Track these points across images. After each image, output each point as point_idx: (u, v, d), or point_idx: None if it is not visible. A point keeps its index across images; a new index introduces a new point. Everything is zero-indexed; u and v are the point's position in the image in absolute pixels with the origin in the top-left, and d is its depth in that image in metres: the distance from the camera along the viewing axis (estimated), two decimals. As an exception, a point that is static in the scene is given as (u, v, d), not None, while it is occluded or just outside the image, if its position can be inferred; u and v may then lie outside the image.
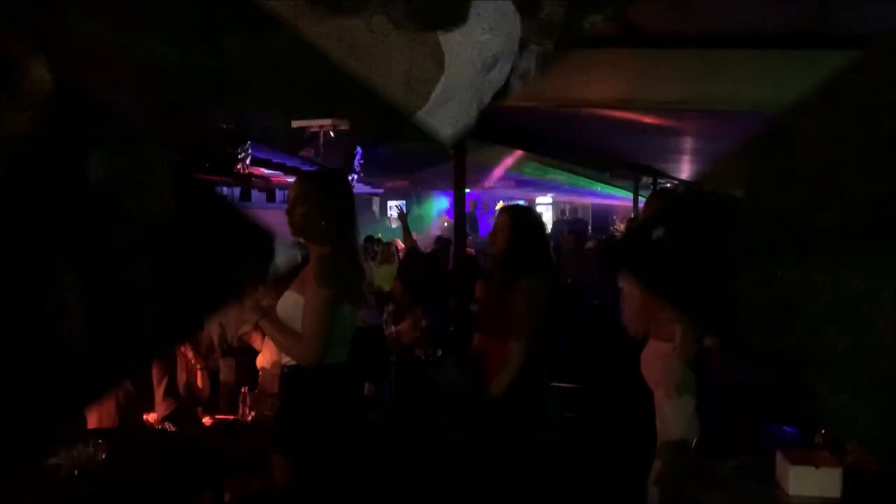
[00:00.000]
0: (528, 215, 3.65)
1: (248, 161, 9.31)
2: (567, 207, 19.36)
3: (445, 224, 17.41)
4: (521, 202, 18.69)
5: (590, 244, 11.52)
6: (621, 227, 13.30)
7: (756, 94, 4.88)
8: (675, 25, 4.69)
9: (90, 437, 2.74)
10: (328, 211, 2.89)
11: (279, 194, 10.69)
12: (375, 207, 18.27)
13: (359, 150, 11.94)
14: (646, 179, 12.93)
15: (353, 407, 3.03)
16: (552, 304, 3.47)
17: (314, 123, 18.55)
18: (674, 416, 3.74)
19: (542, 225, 3.67)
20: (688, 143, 9.03)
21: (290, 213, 2.92)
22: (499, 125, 6.72)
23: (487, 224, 15.17)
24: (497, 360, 3.45)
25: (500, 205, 18.64)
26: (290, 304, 2.87)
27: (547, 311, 3.43)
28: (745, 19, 4.38)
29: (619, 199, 15.93)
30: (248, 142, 9.44)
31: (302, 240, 3.05)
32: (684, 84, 5.03)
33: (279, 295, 2.97)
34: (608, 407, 5.56)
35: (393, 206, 18.96)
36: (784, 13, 4.23)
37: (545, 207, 19.98)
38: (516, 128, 7.17)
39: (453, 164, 5.89)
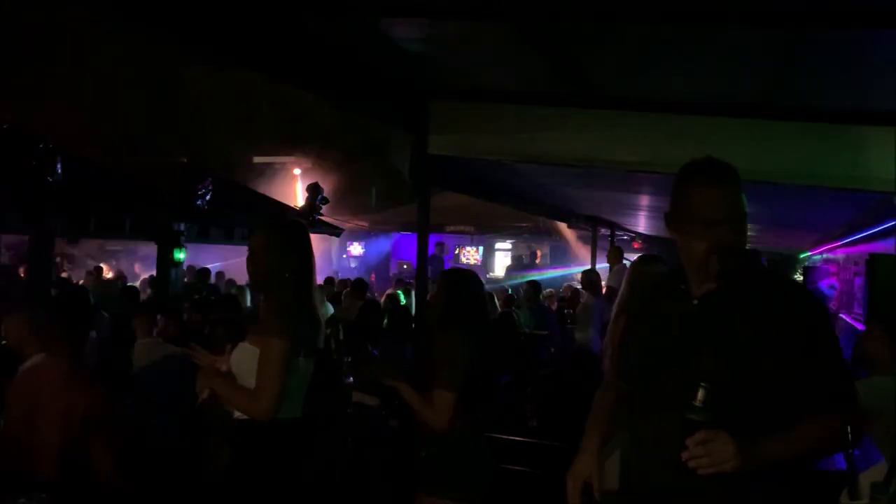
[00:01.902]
0: (459, 277, 3.78)
1: (207, 197, 9.18)
2: (528, 252, 19.50)
3: (405, 266, 17.42)
4: (479, 248, 18.83)
5: (546, 292, 11.68)
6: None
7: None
8: (639, 90, 4.86)
9: (34, 491, 2.65)
10: (291, 263, 2.88)
11: (237, 231, 10.56)
12: (335, 247, 18.20)
13: (321, 189, 11.95)
14: (603, 230, 13.21)
15: (303, 463, 2.96)
16: (482, 356, 3.54)
17: (276, 160, 18.59)
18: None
19: (473, 284, 3.74)
20: (645, 200, 9.27)
21: (253, 262, 2.90)
22: (460, 174, 6.81)
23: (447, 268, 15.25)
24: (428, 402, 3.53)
25: (458, 249, 18.73)
26: (248, 356, 2.82)
27: (476, 362, 3.49)
28: (707, 89, 4.57)
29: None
30: (209, 178, 9.33)
31: (261, 291, 3.03)
32: (646, 147, 5.18)
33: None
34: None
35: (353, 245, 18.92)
36: (743, 85, 4.43)
37: (504, 253, 20.14)
38: (478, 177, 7.27)
39: (417, 206, 5.90)
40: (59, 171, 7.21)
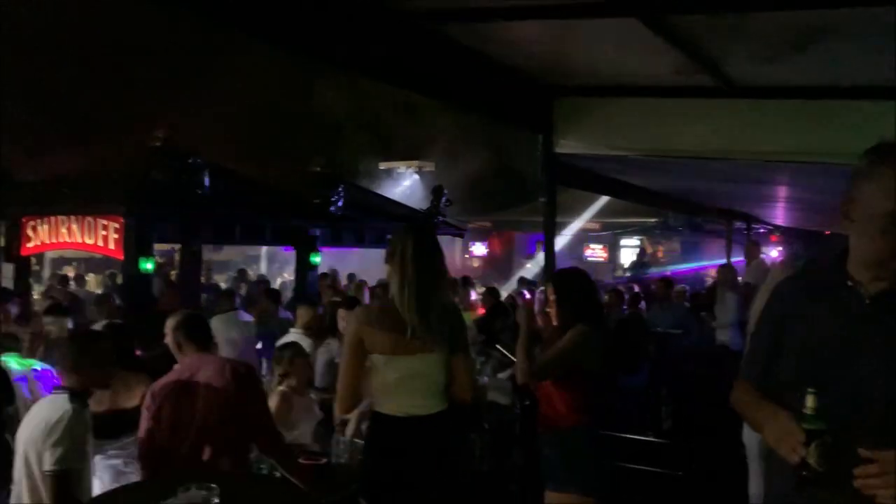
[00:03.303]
0: (569, 276, 3.77)
1: (340, 203, 9.57)
2: (652, 249, 18.89)
3: (528, 266, 17.38)
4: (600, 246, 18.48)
5: (678, 289, 11.24)
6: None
7: (856, 146, 4.74)
8: (773, 78, 4.65)
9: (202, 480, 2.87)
10: (407, 265, 2.89)
11: (368, 235, 10.95)
12: (458, 248, 18.41)
13: (445, 191, 12.13)
14: (738, 224, 12.64)
15: (425, 456, 2.97)
16: (602, 354, 3.52)
17: (401, 164, 19.10)
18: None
19: (583, 282, 3.71)
20: (783, 191, 8.80)
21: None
22: (587, 171, 6.75)
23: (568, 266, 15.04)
24: (546, 404, 3.56)
25: (584, 246, 18.48)
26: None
27: (595, 359, 3.49)
28: (851, 72, 4.31)
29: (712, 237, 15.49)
30: (341, 184, 9.72)
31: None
32: (782, 135, 4.95)
33: None
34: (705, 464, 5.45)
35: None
36: (890, 66, 4.13)
37: (631, 249, 19.66)
38: (605, 174, 7.17)
39: (544, 205, 5.90)
40: (207, 183, 7.76)
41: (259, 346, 7.48)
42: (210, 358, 3.60)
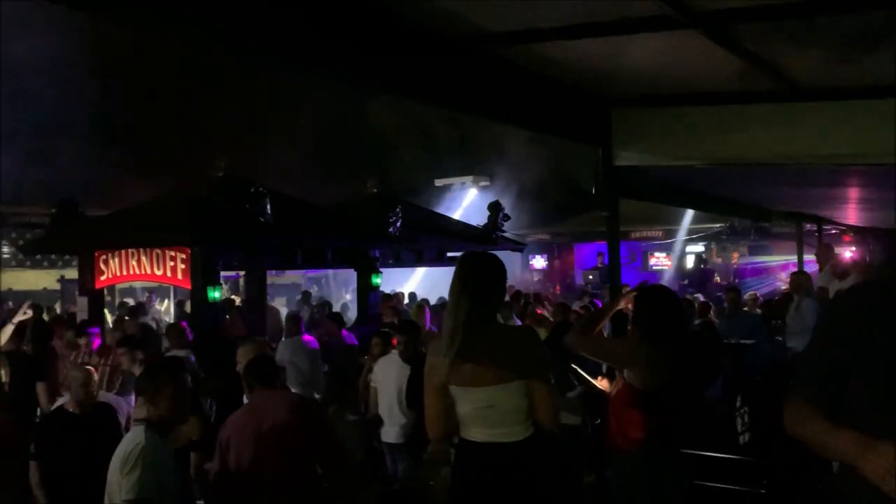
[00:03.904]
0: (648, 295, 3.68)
1: (398, 224, 9.62)
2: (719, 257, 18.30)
3: (590, 277, 17.13)
4: (664, 255, 18.11)
5: (748, 296, 10.88)
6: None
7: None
8: (841, 79, 4.47)
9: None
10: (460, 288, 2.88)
11: (427, 254, 10.97)
12: (517, 262, 18.28)
13: (502, 206, 12.09)
14: (808, 226, 12.18)
15: (509, 483, 2.91)
16: (676, 372, 3.42)
17: (456, 181, 19.15)
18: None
19: (663, 299, 3.61)
20: (855, 193, 8.46)
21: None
22: (648, 182, 6.60)
23: (633, 275, 14.79)
24: (613, 425, 3.50)
25: (648, 255, 18.14)
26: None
27: (665, 380, 3.40)
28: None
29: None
30: (398, 205, 9.78)
31: None
32: (852, 137, 4.75)
33: None
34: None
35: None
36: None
37: (693, 256, 19.19)
38: (666, 184, 7.01)
39: (606, 219, 5.80)
40: (269, 211, 7.90)
41: (325, 368, 7.58)
42: (275, 394, 3.73)
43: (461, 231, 12.00)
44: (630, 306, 3.66)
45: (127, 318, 10.08)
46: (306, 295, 15.24)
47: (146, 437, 3.11)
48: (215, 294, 7.82)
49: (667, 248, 17.49)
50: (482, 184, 18.41)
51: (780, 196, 9.14)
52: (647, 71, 4.59)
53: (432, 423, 2.91)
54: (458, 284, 2.83)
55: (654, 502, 3.35)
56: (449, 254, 11.21)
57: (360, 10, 3.14)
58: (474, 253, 3.01)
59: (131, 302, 11.77)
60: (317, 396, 6.28)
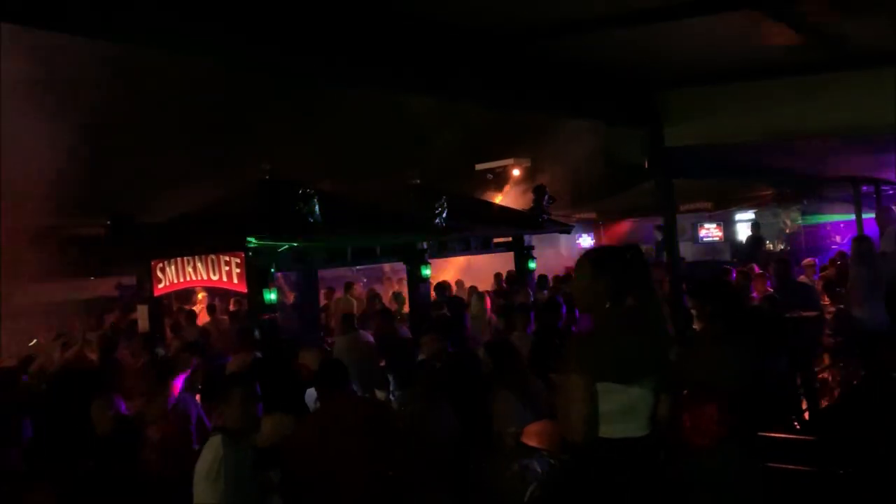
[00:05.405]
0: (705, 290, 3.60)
1: (444, 214, 9.61)
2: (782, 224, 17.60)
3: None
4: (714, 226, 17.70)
5: (805, 263, 10.47)
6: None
7: None
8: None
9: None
10: (597, 287, 2.79)
11: (473, 242, 10.96)
12: (564, 243, 18.10)
13: (546, 189, 11.96)
14: (866, 188, 11.73)
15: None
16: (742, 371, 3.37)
17: (497, 164, 18.97)
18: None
19: (725, 292, 3.54)
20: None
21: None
22: (699, 161, 6.48)
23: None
24: (684, 423, 3.40)
25: (697, 227, 17.79)
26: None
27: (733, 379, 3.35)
28: None
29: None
30: (443, 196, 9.77)
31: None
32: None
33: None
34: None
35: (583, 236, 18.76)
36: None
37: (744, 224, 18.69)
38: (718, 161, 6.87)
39: (660, 199, 5.72)
40: (318, 210, 7.98)
41: (382, 363, 7.64)
42: (347, 398, 3.77)
43: (506, 217, 11.96)
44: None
45: (184, 322, 10.33)
46: (349, 286, 15.26)
47: (224, 448, 3.19)
48: (271, 296, 7.95)
49: (716, 219, 17.10)
50: (524, 166, 18.24)
51: (835, 163, 8.87)
52: (693, 51, 4.48)
53: (584, 424, 2.78)
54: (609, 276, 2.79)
55: (738, 495, 3.30)
56: (495, 240, 11.21)
57: (405, 17, 3.13)
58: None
59: (192, 308, 12.00)
60: (378, 394, 6.33)
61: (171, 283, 9.05)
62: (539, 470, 3.61)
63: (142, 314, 9.46)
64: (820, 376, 7.25)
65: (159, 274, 9.08)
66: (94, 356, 7.08)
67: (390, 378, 6.37)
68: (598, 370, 2.72)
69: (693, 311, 3.55)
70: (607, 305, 2.77)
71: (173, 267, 8.86)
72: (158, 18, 2.63)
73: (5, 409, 4.75)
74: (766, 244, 15.89)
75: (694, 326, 3.57)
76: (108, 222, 9.45)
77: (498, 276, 12.26)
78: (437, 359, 5.46)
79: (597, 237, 18.17)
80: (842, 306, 7.90)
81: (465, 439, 4.35)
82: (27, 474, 3.40)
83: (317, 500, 3.54)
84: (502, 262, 12.25)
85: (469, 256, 12.40)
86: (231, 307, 11.29)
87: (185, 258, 8.63)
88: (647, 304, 2.82)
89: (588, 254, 2.92)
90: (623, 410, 2.77)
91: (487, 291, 10.98)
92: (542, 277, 11.08)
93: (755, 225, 15.78)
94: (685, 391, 3.48)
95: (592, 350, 2.76)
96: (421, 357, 5.97)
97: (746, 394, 3.40)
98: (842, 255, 10.88)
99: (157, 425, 4.79)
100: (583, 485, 2.86)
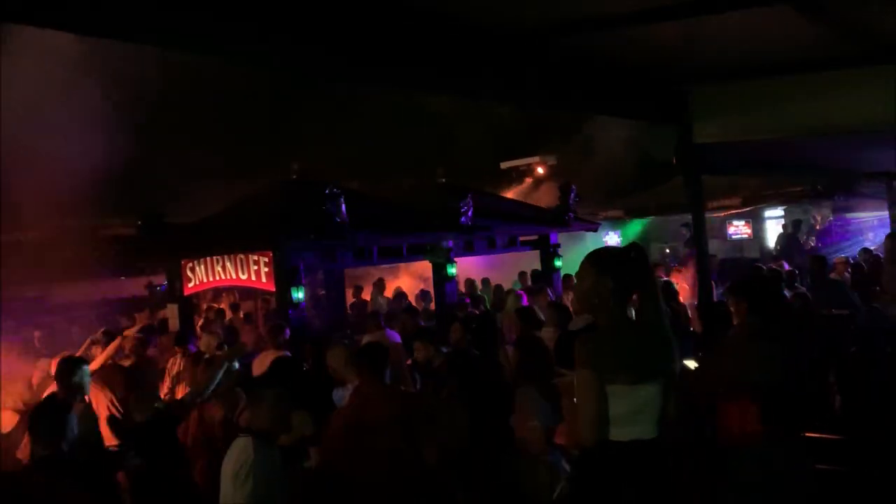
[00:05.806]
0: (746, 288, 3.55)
1: (469, 213, 9.61)
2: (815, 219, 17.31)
3: (667, 251, 16.73)
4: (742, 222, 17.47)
5: (839, 259, 10.28)
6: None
7: None
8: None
9: None
10: (603, 288, 2.75)
11: (499, 240, 10.93)
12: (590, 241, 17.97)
13: (573, 187, 11.87)
14: (896, 184, 11.51)
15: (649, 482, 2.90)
16: (783, 365, 3.32)
17: (523, 162, 18.91)
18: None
19: (771, 290, 3.51)
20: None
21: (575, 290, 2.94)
22: (729, 156, 6.40)
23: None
24: (720, 419, 3.43)
25: (726, 224, 17.57)
26: None
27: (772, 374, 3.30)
28: None
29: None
30: (469, 194, 9.77)
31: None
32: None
33: None
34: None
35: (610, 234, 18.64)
36: None
37: (775, 221, 18.43)
38: (748, 157, 6.79)
39: (689, 197, 5.67)
40: (344, 210, 8.02)
41: (409, 362, 7.65)
42: (382, 386, 3.80)
43: (532, 215, 11.91)
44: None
45: (213, 320, 10.46)
46: (380, 283, 15.30)
47: (255, 450, 3.21)
48: (299, 295, 8.01)
49: (745, 216, 16.88)
50: (549, 163, 18.15)
51: (869, 158, 8.71)
52: (723, 47, 4.44)
53: (594, 426, 2.75)
54: (613, 277, 2.76)
55: (784, 492, 3.26)
56: (521, 238, 11.18)
57: (431, 19, 3.14)
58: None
59: (220, 306, 12.14)
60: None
61: (201, 282, 9.15)
62: (568, 468, 3.59)
63: (172, 313, 9.60)
64: (852, 375, 7.11)
65: (189, 273, 9.19)
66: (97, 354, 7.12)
67: (417, 377, 6.40)
68: (605, 371, 2.70)
69: (731, 308, 3.51)
70: (611, 305, 2.74)
71: (203, 266, 8.97)
72: (187, 20, 2.65)
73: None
74: (801, 240, 15.66)
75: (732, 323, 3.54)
76: (139, 222, 9.60)
77: (523, 274, 12.23)
78: (431, 362, 5.68)
79: (623, 234, 18.04)
80: (876, 305, 7.76)
81: (488, 438, 4.34)
82: (71, 464, 3.46)
83: (345, 496, 3.55)
84: (528, 261, 12.22)
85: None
86: (259, 307, 11.41)
87: (214, 257, 8.72)
88: (650, 303, 2.77)
89: (590, 255, 2.88)
90: (631, 413, 2.73)
91: (522, 289, 10.95)
92: (567, 276, 11.02)
93: (795, 222, 15.58)
94: (722, 389, 3.44)
95: (599, 351, 2.73)
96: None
97: (787, 391, 3.36)
98: (865, 251, 10.72)
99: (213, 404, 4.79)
100: (592, 487, 2.84)
